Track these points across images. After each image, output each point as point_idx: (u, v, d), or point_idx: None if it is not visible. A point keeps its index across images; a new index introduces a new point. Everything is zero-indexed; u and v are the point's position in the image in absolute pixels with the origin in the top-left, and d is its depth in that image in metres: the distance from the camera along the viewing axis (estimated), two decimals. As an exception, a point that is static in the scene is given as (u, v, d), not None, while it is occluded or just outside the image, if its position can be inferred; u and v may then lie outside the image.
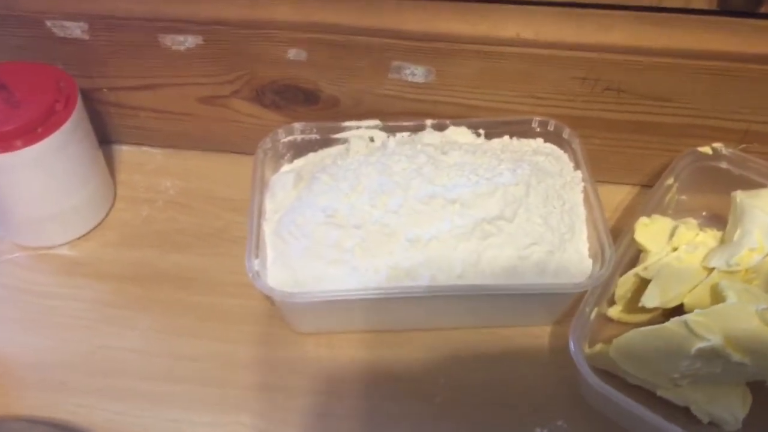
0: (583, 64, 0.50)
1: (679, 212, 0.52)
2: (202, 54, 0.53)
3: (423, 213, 0.44)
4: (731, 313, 0.41)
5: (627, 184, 0.57)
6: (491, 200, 0.44)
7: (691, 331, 0.41)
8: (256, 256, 0.45)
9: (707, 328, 0.40)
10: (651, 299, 0.44)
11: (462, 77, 0.52)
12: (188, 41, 0.53)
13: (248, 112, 0.57)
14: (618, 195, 0.57)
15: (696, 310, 0.41)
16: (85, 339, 0.49)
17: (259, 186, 0.49)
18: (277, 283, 0.46)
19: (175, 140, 0.60)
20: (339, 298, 0.43)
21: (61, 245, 0.55)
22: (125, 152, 0.61)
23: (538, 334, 0.49)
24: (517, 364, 0.47)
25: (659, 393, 0.44)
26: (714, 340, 0.40)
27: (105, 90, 0.58)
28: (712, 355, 0.40)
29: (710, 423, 0.43)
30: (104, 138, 0.61)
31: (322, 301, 0.44)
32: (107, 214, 0.57)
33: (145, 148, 0.61)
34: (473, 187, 0.45)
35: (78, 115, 0.50)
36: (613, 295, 0.47)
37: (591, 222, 0.48)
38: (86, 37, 0.54)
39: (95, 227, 0.56)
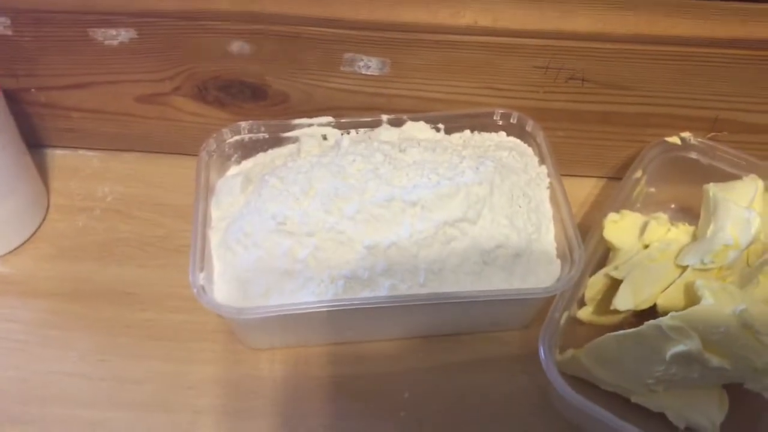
0: (545, 52, 0.47)
1: (647, 205, 0.50)
2: (137, 49, 0.49)
3: (381, 218, 0.41)
4: (708, 315, 0.39)
5: (593, 176, 0.55)
6: (453, 201, 0.42)
7: (665, 335, 0.39)
8: (201, 269, 0.42)
9: (683, 331, 0.38)
10: (623, 302, 0.42)
11: (419, 68, 0.49)
12: (121, 35, 0.49)
13: (191, 111, 0.53)
14: (584, 189, 0.55)
15: (671, 313, 0.39)
16: (20, 364, 0.45)
17: (204, 191, 0.46)
18: (225, 297, 0.42)
19: (113, 142, 0.56)
20: (291, 312, 0.40)
21: (-11, 261, 0.50)
22: (59, 157, 0.57)
23: (506, 340, 0.46)
24: (485, 373, 0.45)
25: (633, 399, 0.42)
26: (690, 344, 0.38)
27: (33, 90, 0.53)
28: (688, 359, 0.38)
29: (687, 429, 0.42)
30: (36, 142, 0.56)
31: (275, 317, 0.41)
32: (40, 225, 0.52)
33: (80, 152, 0.57)
34: (434, 188, 0.42)
35: (1, 118, 0.46)
36: (584, 296, 0.45)
37: (558, 220, 0.45)
38: (9, 32, 0.49)
39: (27, 240, 0.51)
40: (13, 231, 0.51)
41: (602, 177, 0.55)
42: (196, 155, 0.47)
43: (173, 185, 0.55)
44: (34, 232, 0.52)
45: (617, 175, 0.54)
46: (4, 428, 0.43)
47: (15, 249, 0.51)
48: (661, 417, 0.42)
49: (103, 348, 0.46)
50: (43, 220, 0.53)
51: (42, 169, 0.55)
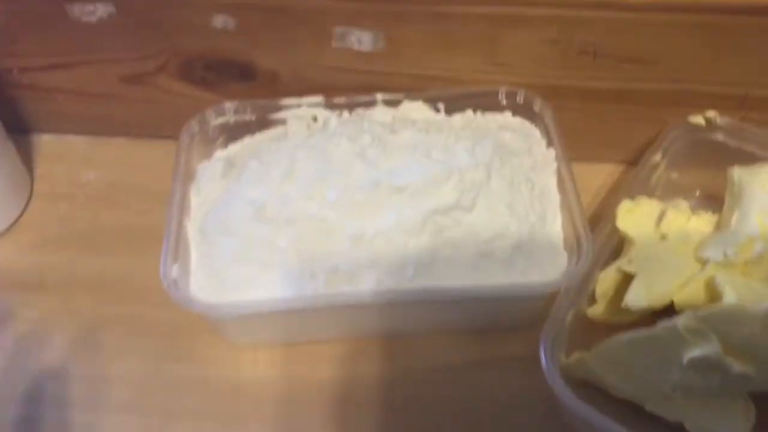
0: (554, 23, 0.43)
1: (668, 193, 0.45)
2: (117, 25, 0.46)
3: (365, 204, 0.38)
4: (730, 315, 0.34)
5: (608, 161, 0.51)
6: (445, 187, 0.38)
7: (682, 337, 0.34)
8: (175, 260, 0.39)
9: (701, 333, 0.34)
10: (636, 299, 0.38)
11: (415, 44, 0.45)
12: (98, 10, 0.46)
13: (178, 92, 0.50)
14: (598, 175, 0.50)
15: (688, 312, 0.35)
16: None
17: (182, 176, 0.43)
18: (201, 290, 0.39)
19: (99, 126, 0.54)
20: (265, 310, 0.37)
21: (-33, 250, 0.48)
22: (45, 142, 0.54)
23: (507, 339, 0.42)
24: (484, 376, 0.41)
25: (648, 407, 0.38)
26: (710, 348, 0.34)
27: (15, 71, 0.51)
28: (708, 365, 0.34)
29: (708, 440, 0.37)
30: (21, 126, 0.54)
31: (252, 314, 0.38)
32: (21, 213, 0.50)
33: (66, 137, 0.54)
34: (423, 172, 0.38)
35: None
36: (594, 292, 0.41)
37: (566, 208, 0.41)
38: (-15, 9, 0.47)
39: (7, 229, 0.49)
40: (-8, 219, 0.48)
41: (619, 162, 0.51)
42: (181, 139, 0.45)
43: (161, 171, 0.51)
44: (15, 221, 0.49)
45: (635, 160, 0.49)
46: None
47: (-5, 238, 0.49)
48: (679, 427, 0.37)
49: (81, 344, 0.44)
50: (25, 208, 0.50)
51: (26, 155, 0.53)
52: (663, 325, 0.35)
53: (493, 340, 0.42)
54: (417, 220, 0.37)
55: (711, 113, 0.45)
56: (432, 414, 0.40)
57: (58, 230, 0.49)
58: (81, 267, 0.47)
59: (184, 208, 0.42)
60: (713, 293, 0.37)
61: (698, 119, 0.45)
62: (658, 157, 0.44)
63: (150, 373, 0.42)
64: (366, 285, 0.38)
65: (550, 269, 0.39)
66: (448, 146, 0.39)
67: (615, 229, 0.41)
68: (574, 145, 0.44)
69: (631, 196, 0.42)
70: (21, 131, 0.54)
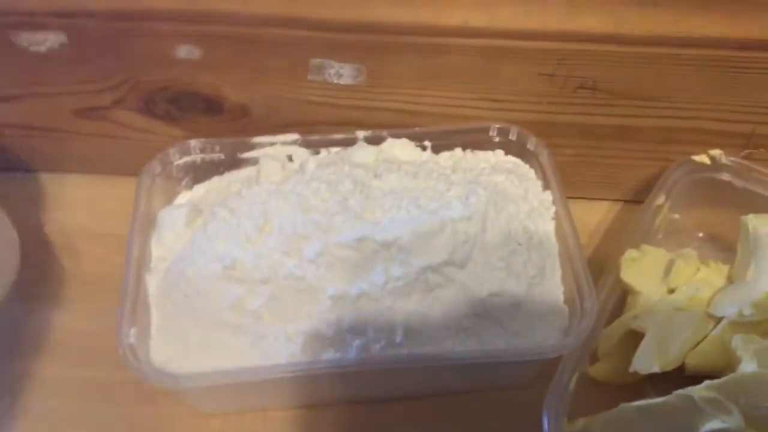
0: (550, 56, 0.39)
1: (671, 235, 0.43)
2: (70, 55, 0.42)
3: (349, 261, 0.34)
4: (751, 383, 0.31)
5: (605, 199, 0.48)
6: (437, 241, 0.34)
7: (699, 408, 0.31)
8: (133, 324, 0.34)
9: (720, 405, 0.31)
10: (644, 363, 0.35)
11: (400, 77, 0.42)
12: (49, 40, 0.41)
13: (139, 127, 0.46)
14: (596, 213, 0.47)
15: (705, 383, 0.32)
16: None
17: (142, 224, 0.39)
18: (162, 356, 0.35)
19: (52, 163, 0.49)
20: (235, 380, 0.33)
21: None
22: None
23: (504, 402, 0.39)
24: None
25: (660, 480, 0.34)
26: (730, 421, 0.31)
27: (-43, 103, 0.46)
28: (729, 439, 0.31)
29: None
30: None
31: (220, 384, 0.33)
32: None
33: (14, 174, 0.49)
34: (414, 224, 0.34)
35: None
36: (596, 350, 0.38)
37: (566, 257, 0.38)
38: None
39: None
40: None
41: (616, 200, 0.47)
42: (141, 179, 0.40)
43: (121, 213, 0.47)
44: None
45: (635, 198, 0.46)
46: None
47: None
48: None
49: (25, 411, 0.39)
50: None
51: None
52: (678, 394, 0.32)
53: (489, 401, 0.39)
54: (407, 280, 0.34)
55: (715, 151, 0.42)
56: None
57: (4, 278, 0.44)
58: (29, 325, 0.42)
59: (143, 260, 0.37)
60: (729, 355, 0.34)
61: (702, 158, 0.42)
62: (661, 199, 0.41)
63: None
64: (349, 351, 0.34)
65: (550, 327, 0.36)
66: (439, 193, 0.36)
67: (618, 281, 0.38)
68: (569, 182, 0.41)
69: (635, 245, 0.39)
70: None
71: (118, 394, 0.39)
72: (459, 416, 0.38)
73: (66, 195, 0.49)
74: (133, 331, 0.34)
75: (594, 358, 0.38)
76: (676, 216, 0.43)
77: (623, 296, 0.39)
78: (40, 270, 0.45)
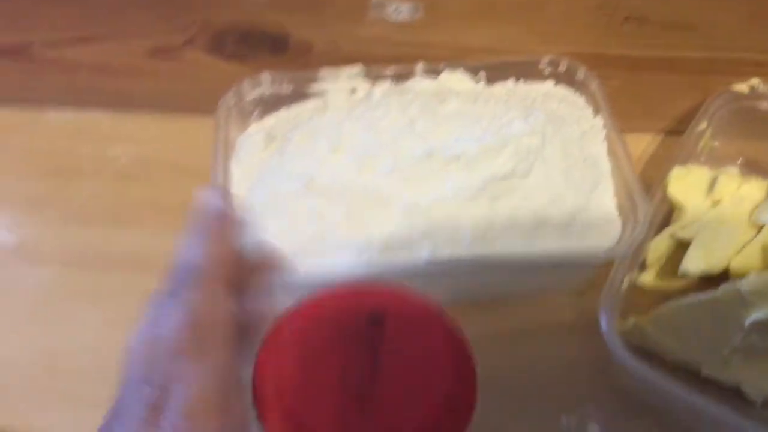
0: (601, -12, 0.42)
1: (712, 160, 0.45)
2: (144, -4, 0.45)
3: (420, 175, 0.37)
4: (795, 277, 0.34)
5: (647, 131, 0.50)
6: (501, 155, 0.37)
7: (744, 300, 0.34)
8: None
9: (764, 296, 0.34)
10: (694, 264, 0.38)
11: (455, 12, 0.44)
12: (126, -19, 0.44)
13: (207, 65, 0.49)
14: (638, 145, 0.49)
15: (750, 275, 0.34)
16: (27, 338, 0.42)
17: (223, 149, 0.42)
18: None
19: (125, 101, 0.52)
20: (319, 280, 0.36)
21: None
22: (67, 117, 0.53)
23: (560, 307, 0.42)
24: (538, 344, 0.41)
25: (704, 372, 0.37)
26: (774, 310, 0.33)
27: (37, 45, 0.49)
28: (772, 327, 0.34)
29: (765, 404, 0.37)
30: (41, 101, 0.52)
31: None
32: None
33: (90, 112, 0.53)
34: (479, 141, 0.37)
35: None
36: (645, 259, 0.40)
37: (617, 176, 0.40)
38: (8, -19, 0.45)
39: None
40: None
41: (658, 132, 0.50)
42: (213, 114, 0.43)
43: (190, 145, 0.50)
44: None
45: (677, 128, 0.48)
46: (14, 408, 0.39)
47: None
48: (735, 392, 0.37)
49: (113, 321, 0.42)
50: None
51: (48, 131, 0.51)
52: (724, 287, 0.35)
53: (544, 307, 0.42)
54: (473, 189, 0.37)
55: (755, 80, 0.44)
56: (484, 384, 0.39)
57: (86, 207, 0.48)
58: (111, 244, 0.46)
59: (226, 181, 0.41)
60: (772, 258, 0.36)
61: (742, 87, 0.44)
62: (703, 125, 0.43)
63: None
64: (421, 254, 0.37)
65: (604, 236, 0.39)
66: (498, 115, 0.39)
67: (665, 197, 0.41)
68: (615, 114, 0.43)
69: (681, 163, 0.41)
70: (40, 106, 0.52)
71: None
72: (518, 318, 0.41)
73: (139, 131, 0.52)
74: (222, 239, 0.37)
75: (642, 268, 0.41)
76: (716, 143, 0.45)
77: (668, 213, 0.42)
78: (116, 198, 0.48)
